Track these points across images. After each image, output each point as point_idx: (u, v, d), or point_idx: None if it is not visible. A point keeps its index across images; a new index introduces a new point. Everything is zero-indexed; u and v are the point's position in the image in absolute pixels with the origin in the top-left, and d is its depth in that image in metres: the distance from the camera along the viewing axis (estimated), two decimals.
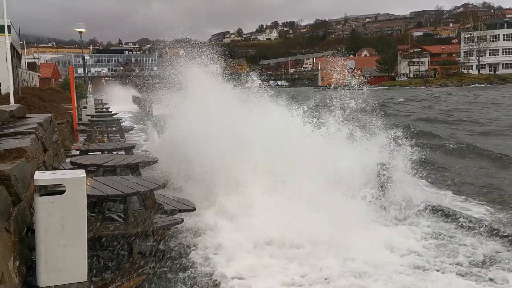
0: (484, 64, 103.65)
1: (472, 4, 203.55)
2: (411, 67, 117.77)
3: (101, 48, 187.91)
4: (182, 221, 5.32)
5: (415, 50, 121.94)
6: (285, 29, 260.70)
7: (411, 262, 5.00)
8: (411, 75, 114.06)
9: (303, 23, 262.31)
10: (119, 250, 5.38)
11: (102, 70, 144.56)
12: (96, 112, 21.42)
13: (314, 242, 5.33)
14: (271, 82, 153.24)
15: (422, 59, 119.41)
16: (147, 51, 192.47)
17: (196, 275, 4.74)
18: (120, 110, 28.02)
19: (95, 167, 6.66)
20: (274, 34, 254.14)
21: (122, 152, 9.41)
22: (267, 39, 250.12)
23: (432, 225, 6.35)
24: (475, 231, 5.95)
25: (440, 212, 6.83)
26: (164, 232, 5.83)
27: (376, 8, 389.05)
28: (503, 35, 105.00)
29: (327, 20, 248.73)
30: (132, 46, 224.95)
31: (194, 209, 5.92)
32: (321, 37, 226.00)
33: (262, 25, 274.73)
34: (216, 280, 4.61)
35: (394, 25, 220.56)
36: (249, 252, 5.20)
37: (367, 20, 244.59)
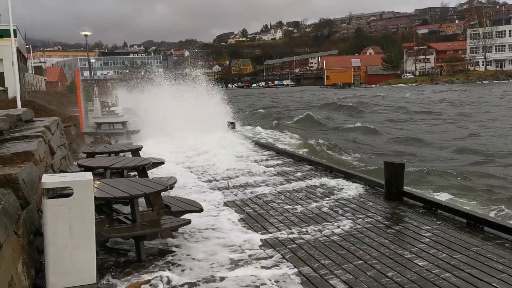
0: (491, 61, 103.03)
1: (477, 0, 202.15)
2: (417, 64, 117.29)
3: (106, 51, 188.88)
4: (189, 222, 5.32)
5: (420, 47, 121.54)
6: (290, 28, 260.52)
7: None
8: (417, 73, 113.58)
9: (308, 23, 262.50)
10: (127, 251, 5.39)
11: (108, 73, 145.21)
12: (102, 114, 21.52)
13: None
14: (276, 82, 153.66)
15: (428, 57, 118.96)
16: (152, 53, 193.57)
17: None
18: (125, 112, 28.66)
19: (102, 169, 6.67)
20: (278, 34, 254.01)
21: (129, 154, 9.43)
22: (272, 39, 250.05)
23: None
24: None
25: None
26: (172, 233, 5.84)
27: (381, 6, 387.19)
28: (509, 31, 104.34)
29: (331, 19, 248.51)
30: (137, 48, 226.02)
31: (202, 210, 5.92)
32: (326, 36, 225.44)
33: (266, 25, 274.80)
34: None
35: (399, 22, 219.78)
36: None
37: (372, 18, 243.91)
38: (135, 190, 4.96)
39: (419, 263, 4.75)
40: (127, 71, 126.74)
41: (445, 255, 4.95)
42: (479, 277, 4.35)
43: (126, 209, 6.32)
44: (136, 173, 7.36)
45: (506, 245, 5.18)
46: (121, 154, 8.98)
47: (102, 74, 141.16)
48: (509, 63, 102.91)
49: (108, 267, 4.89)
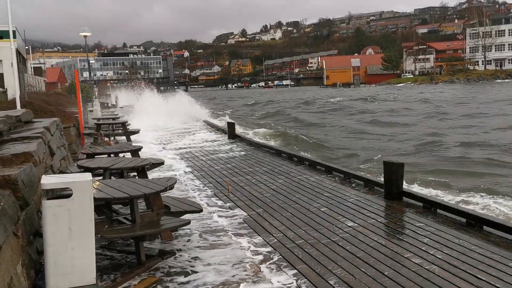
0: (490, 60, 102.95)
1: (476, 0, 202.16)
2: (416, 64, 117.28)
3: (106, 52, 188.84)
4: (189, 222, 5.32)
5: (420, 47, 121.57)
6: (289, 28, 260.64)
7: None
8: (417, 72, 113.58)
9: (307, 22, 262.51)
10: (126, 252, 5.40)
11: (107, 73, 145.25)
12: (102, 115, 21.51)
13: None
14: (276, 82, 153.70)
15: (427, 56, 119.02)
16: (151, 54, 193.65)
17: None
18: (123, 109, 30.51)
19: (102, 170, 6.67)
20: (278, 34, 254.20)
21: (129, 155, 9.44)
22: (272, 39, 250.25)
23: None
24: None
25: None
26: (172, 234, 5.84)
27: (380, 6, 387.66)
28: (509, 30, 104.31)
29: (331, 19, 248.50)
30: (137, 49, 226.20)
31: (201, 210, 5.93)
32: (326, 36, 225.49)
33: (266, 25, 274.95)
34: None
35: (398, 22, 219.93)
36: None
37: (371, 18, 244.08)
38: (135, 191, 4.96)
39: (419, 263, 4.75)
40: (126, 71, 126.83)
41: (444, 254, 4.95)
42: (478, 276, 4.35)
43: (126, 210, 6.33)
44: (136, 173, 7.37)
45: (506, 244, 5.19)
46: (120, 155, 9.00)
47: (101, 74, 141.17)
48: (509, 62, 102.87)
49: (107, 268, 4.90)
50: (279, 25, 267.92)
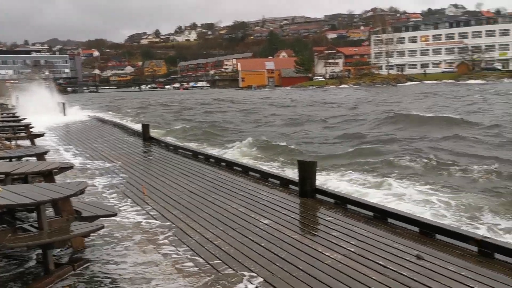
0: (393, 65, 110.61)
1: (380, 8, 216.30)
2: (327, 68, 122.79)
3: (5, 49, 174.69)
4: (102, 227, 5.10)
5: (330, 51, 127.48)
6: (204, 30, 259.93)
7: None
8: (328, 76, 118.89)
9: (222, 25, 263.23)
10: (33, 261, 5.06)
11: (6, 72, 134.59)
12: (1, 117, 19.88)
13: None
14: (191, 83, 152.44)
15: (337, 60, 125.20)
16: (57, 52, 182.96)
17: None
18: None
19: (3, 175, 6.18)
20: (193, 35, 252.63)
21: (34, 159, 8.83)
22: (186, 40, 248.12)
23: None
24: None
25: None
26: (83, 241, 5.56)
27: (292, 11, 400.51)
28: (408, 37, 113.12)
29: (245, 21, 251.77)
30: (41, 47, 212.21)
31: (115, 214, 5.72)
32: (240, 38, 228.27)
33: (180, 26, 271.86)
34: None
35: (309, 27, 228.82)
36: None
37: (284, 22, 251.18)
38: (41, 196, 4.66)
39: (331, 255, 4.98)
40: (29, 71, 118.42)
41: (353, 246, 5.24)
42: (384, 265, 4.66)
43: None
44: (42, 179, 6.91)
45: (408, 234, 5.61)
46: (24, 159, 8.40)
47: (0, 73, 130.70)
48: (408, 67, 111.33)
49: (11, 280, 4.56)
50: (193, 26, 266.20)
